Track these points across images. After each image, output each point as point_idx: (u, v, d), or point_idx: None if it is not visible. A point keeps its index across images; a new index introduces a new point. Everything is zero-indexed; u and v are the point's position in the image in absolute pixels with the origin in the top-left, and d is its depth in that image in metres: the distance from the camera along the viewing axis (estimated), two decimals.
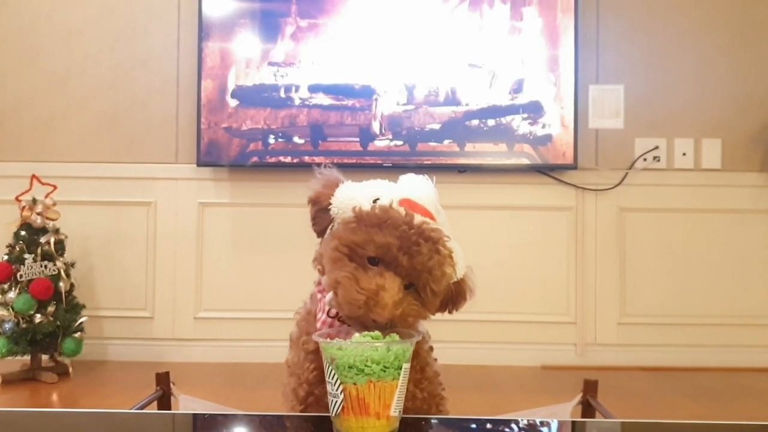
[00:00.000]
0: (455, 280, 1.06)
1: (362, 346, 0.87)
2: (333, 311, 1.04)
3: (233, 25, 3.30)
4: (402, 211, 1.01)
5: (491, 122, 3.29)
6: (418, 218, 1.01)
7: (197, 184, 3.40)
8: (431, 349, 1.17)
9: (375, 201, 1.03)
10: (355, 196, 1.05)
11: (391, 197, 1.03)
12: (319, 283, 1.09)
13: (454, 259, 1.03)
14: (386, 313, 0.95)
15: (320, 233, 1.10)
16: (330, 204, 1.08)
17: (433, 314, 1.07)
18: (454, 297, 1.08)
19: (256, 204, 3.39)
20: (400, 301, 0.97)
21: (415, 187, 1.07)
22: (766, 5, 3.39)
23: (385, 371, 0.86)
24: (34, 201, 3.05)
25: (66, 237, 3.10)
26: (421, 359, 1.12)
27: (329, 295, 1.04)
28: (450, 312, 1.10)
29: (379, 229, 0.99)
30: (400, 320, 0.97)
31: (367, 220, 1.01)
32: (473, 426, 1.03)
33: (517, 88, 3.29)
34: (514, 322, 3.36)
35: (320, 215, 1.10)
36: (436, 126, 3.29)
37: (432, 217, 1.03)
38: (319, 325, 1.07)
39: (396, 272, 0.98)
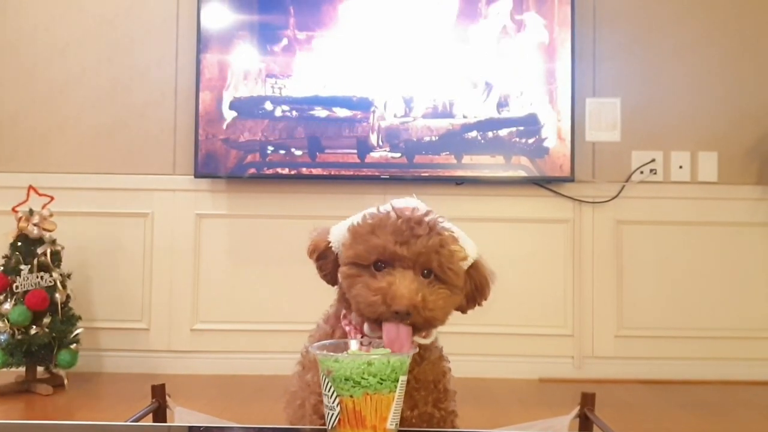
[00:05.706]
0: (470, 263, 1.07)
1: (359, 358, 0.87)
2: (367, 340, 1.04)
3: (231, 37, 3.31)
4: (391, 211, 1.03)
5: (488, 135, 3.29)
6: (407, 211, 1.03)
7: (194, 195, 3.39)
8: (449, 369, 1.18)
9: None
10: (351, 221, 1.07)
11: (378, 205, 1.06)
12: (344, 317, 1.10)
13: (458, 239, 1.05)
14: (405, 301, 0.95)
15: (332, 280, 1.11)
16: (329, 244, 1.10)
17: (466, 303, 1.08)
18: (477, 284, 1.09)
19: (253, 216, 3.39)
20: (417, 289, 0.97)
21: (408, 202, 1.09)
22: (762, 19, 3.42)
23: (381, 384, 0.86)
24: (31, 212, 3.04)
25: (62, 248, 3.09)
26: (445, 380, 1.13)
27: (356, 318, 1.04)
28: (480, 303, 1.11)
29: (373, 234, 1.01)
30: (430, 308, 0.98)
31: (361, 231, 1.03)
32: None
33: (514, 101, 3.30)
34: (511, 335, 3.35)
35: (323, 261, 1.12)
36: (434, 138, 3.29)
37: None
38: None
39: (403, 266, 0.99)
